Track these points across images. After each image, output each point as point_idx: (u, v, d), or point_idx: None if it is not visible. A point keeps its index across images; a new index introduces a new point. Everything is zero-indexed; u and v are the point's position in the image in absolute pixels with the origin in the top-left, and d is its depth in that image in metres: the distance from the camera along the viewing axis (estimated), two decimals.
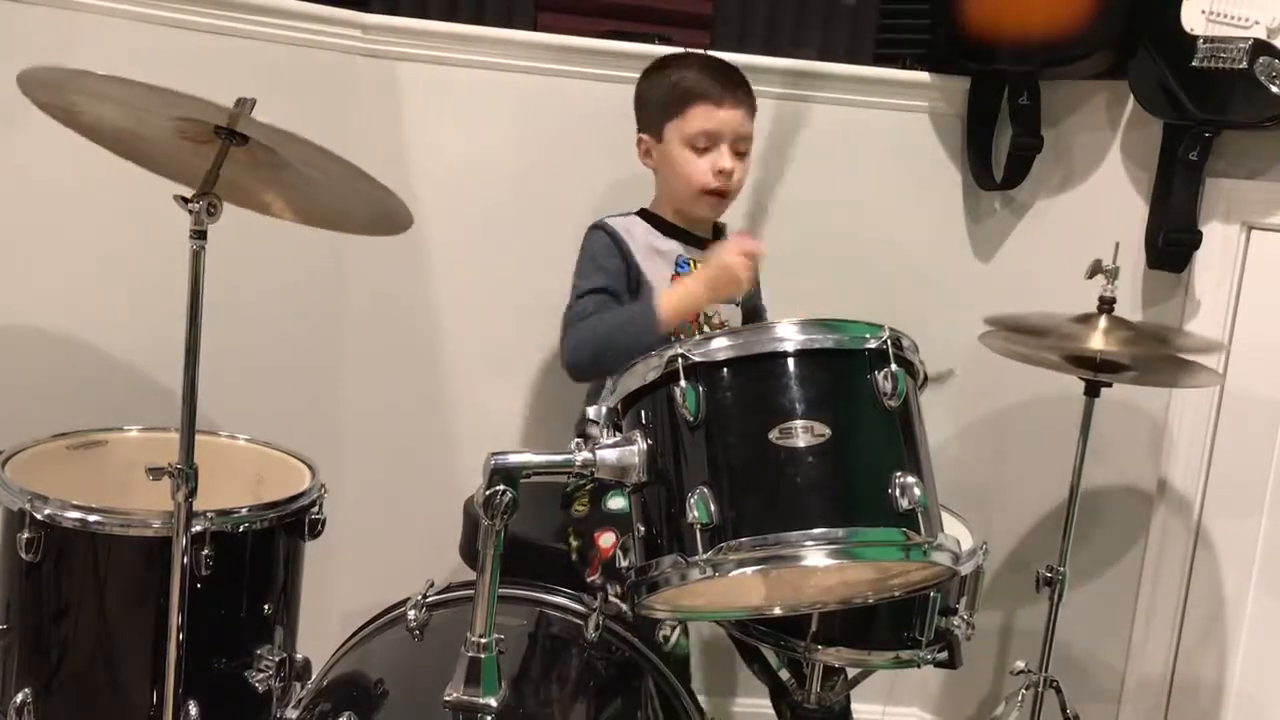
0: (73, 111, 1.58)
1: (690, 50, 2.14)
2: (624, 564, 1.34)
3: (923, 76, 2.44)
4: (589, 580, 1.81)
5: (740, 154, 2.00)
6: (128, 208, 2.00)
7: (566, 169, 2.33)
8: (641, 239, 2.03)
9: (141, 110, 1.53)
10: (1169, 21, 2.01)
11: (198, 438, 1.56)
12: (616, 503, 1.89)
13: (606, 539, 1.83)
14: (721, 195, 2.00)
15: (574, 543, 1.88)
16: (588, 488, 1.97)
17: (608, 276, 1.95)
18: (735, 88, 1.99)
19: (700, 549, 1.23)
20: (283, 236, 1.76)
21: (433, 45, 2.31)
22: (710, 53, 2.16)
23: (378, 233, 1.93)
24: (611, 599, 1.73)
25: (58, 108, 1.58)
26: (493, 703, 1.28)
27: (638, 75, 2.07)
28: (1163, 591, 2.20)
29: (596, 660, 1.55)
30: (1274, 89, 1.93)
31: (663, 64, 2.05)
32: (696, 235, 2.05)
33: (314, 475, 1.92)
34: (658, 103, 2.01)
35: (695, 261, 2.02)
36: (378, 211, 1.73)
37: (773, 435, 1.24)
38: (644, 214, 2.06)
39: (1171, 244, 2.13)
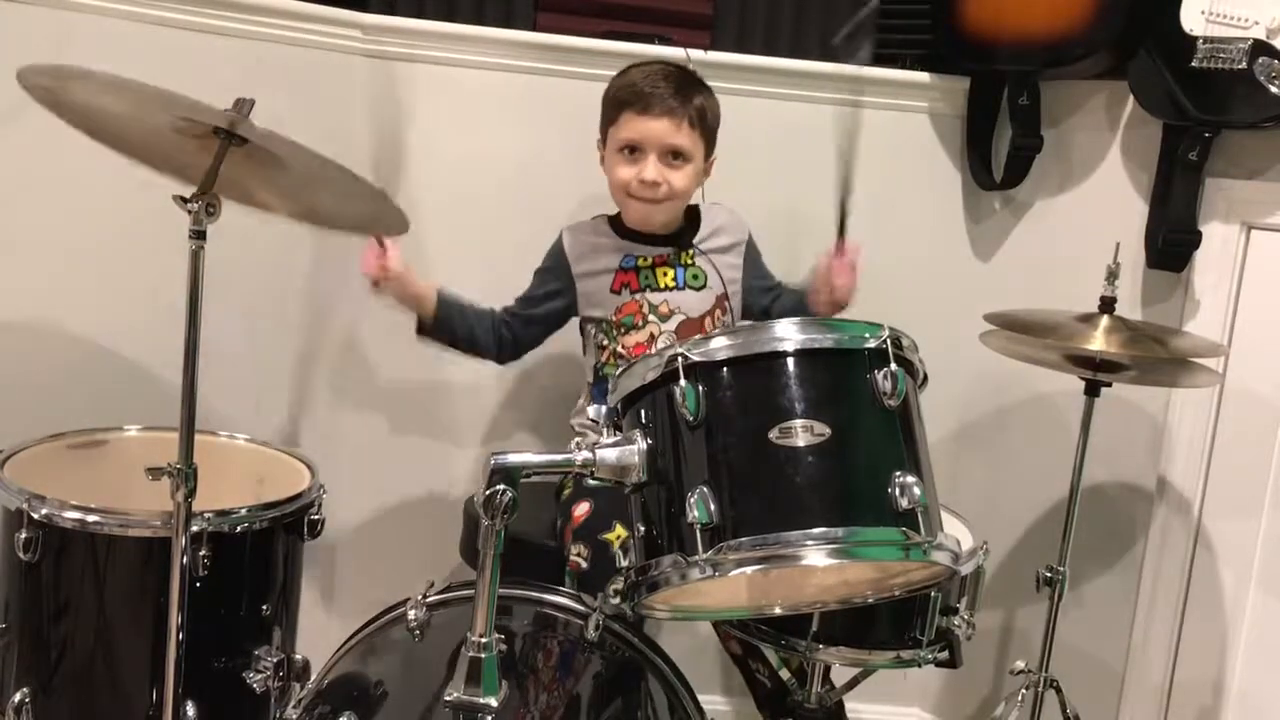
0: (72, 108, 1.58)
1: (655, 59, 2.09)
2: (624, 563, 1.34)
3: (923, 76, 2.44)
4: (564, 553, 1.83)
5: (676, 161, 1.96)
6: (127, 207, 1.99)
7: (566, 169, 2.33)
8: (588, 241, 2.07)
9: (139, 108, 1.53)
10: (1169, 22, 2.01)
11: (198, 438, 1.56)
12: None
13: (580, 509, 1.86)
14: (649, 203, 1.99)
15: (559, 524, 1.91)
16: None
17: (531, 286, 2.10)
18: (666, 97, 1.93)
19: (700, 549, 1.23)
20: (283, 235, 1.76)
21: (431, 45, 2.30)
22: (682, 57, 2.14)
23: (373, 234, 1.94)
24: (573, 557, 1.76)
25: (56, 101, 1.57)
26: (493, 703, 1.28)
27: None
28: (1163, 591, 2.20)
29: (596, 660, 1.55)
30: (1274, 89, 1.93)
31: (626, 69, 2.03)
32: (648, 234, 2.05)
33: (314, 475, 1.92)
34: (604, 107, 2.03)
35: (643, 259, 2.03)
36: (374, 215, 1.73)
37: (773, 435, 1.24)
38: (613, 215, 2.09)
39: (1171, 244, 2.13)
